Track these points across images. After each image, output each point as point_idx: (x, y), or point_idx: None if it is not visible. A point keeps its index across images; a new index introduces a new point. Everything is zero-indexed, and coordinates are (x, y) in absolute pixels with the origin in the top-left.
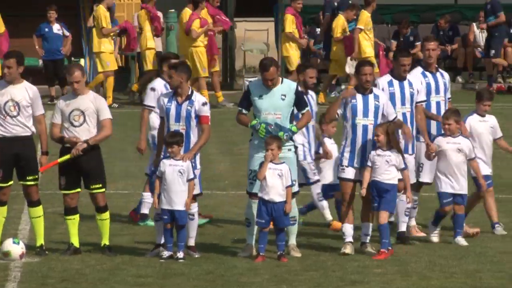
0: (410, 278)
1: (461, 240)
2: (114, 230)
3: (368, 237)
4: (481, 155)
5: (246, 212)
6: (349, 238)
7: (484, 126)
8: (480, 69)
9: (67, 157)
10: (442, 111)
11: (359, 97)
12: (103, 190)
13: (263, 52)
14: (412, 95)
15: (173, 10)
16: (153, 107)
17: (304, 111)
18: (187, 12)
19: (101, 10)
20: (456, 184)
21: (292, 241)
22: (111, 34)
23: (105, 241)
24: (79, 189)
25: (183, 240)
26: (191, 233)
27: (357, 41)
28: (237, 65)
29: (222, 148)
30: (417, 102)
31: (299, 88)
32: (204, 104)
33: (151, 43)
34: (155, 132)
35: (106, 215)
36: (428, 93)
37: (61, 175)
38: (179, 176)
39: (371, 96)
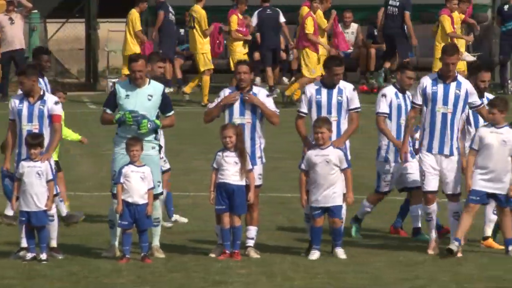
0: (274, 279)
1: (339, 252)
2: None
3: (253, 241)
4: None
5: (110, 214)
6: (220, 240)
7: None
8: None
9: None
10: (449, 124)
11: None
12: None
13: None
14: (340, 103)
15: (36, 11)
16: None
17: (169, 115)
18: (304, 10)
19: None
20: (323, 197)
21: (156, 242)
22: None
23: None
24: None
25: (44, 242)
26: (52, 234)
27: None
28: (101, 66)
29: (86, 149)
30: (349, 110)
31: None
32: (56, 103)
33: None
34: None
35: None
36: (434, 102)
37: None
38: (37, 178)
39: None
